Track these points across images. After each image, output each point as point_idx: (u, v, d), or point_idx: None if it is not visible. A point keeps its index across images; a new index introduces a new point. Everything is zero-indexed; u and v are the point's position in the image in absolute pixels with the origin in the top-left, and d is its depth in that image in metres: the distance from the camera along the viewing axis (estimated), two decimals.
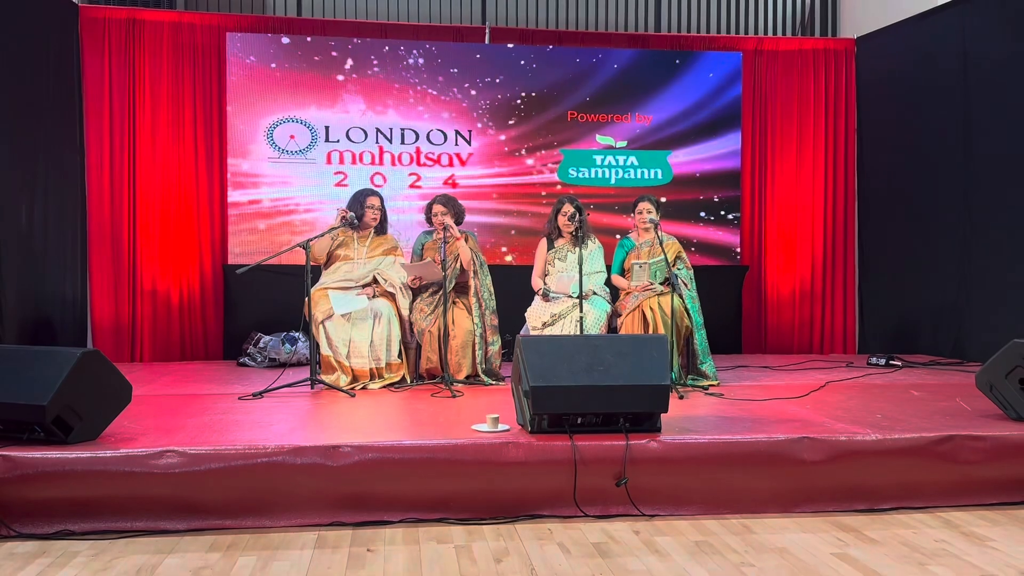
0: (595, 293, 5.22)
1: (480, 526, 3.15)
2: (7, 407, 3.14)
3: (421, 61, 6.83)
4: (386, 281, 5.13)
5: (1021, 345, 3.68)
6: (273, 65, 6.68)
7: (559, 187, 6.96)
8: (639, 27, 7.52)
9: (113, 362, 3.45)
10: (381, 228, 5.31)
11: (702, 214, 7.15)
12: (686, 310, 5.02)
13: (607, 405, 3.35)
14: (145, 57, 6.55)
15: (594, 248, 5.35)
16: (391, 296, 5.12)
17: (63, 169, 6.24)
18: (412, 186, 6.85)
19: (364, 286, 5.12)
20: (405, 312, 5.12)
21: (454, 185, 6.84)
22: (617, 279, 5.33)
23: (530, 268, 5.48)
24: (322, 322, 4.92)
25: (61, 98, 6.24)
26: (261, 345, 6.17)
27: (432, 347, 5.04)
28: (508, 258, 6.90)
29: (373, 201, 5.24)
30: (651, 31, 7.47)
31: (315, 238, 5.09)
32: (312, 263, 4.92)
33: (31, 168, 5.86)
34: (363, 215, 5.19)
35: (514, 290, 5.78)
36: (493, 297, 5.23)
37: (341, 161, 6.77)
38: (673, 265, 5.11)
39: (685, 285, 5.05)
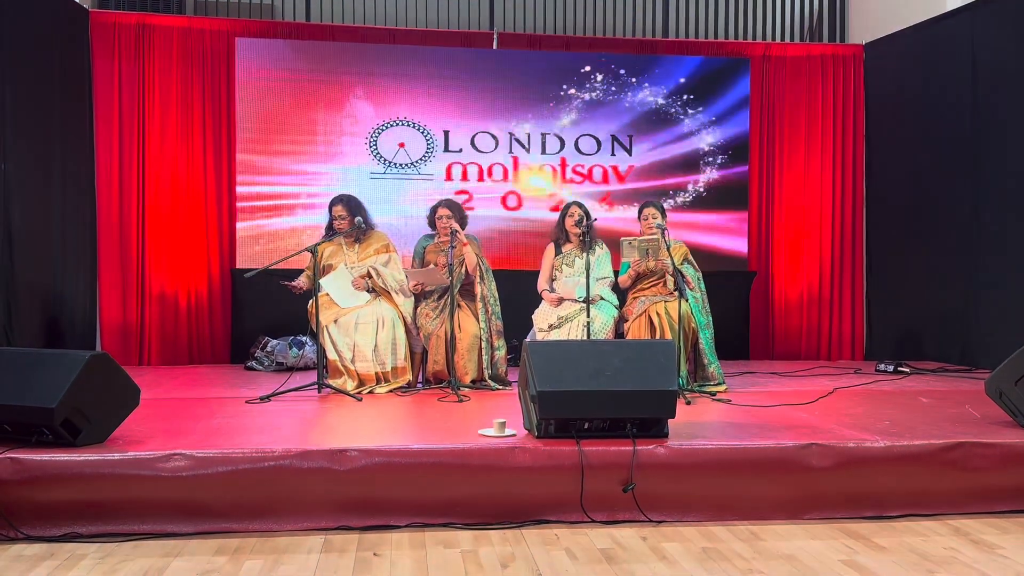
0: (602, 298, 5.22)
1: (487, 531, 3.14)
2: (15, 409, 3.15)
3: (429, 66, 6.85)
4: (379, 276, 5.08)
5: None
6: (282, 70, 6.70)
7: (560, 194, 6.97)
8: (647, 32, 7.52)
9: (121, 365, 3.46)
10: (363, 228, 5.15)
11: (709, 219, 7.14)
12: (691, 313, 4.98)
13: (614, 410, 3.34)
14: (155, 62, 6.58)
15: (601, 253, 5.35)
16: (389, 297, 5.09)
17: (74, 172, 6.27)
18: (415, 192, 6.86)
19: (359, 281, 5.08)
20: (407, 314, 5.10)
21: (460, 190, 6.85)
22: (624, 280, 5.31)
23: (536, 273, 5.48)
24: (327, 326, 4.92)
25: (72, 103, 6.27)
26: (268, 349, 6.19)
27: (439, 351, 5.04)
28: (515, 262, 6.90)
29: (337, 211, 5.16)
30: (659, 36, 7.47)
31: (322, 242, 5.10)
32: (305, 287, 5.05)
33: (44, 171, 5.89)
34: (330, 224, 5.18)
35: (521, 295, 5.77)
36: (498, 302, 5.23)
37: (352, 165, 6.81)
38: (680, 266, 5.07)
39: (688, 284, 4.97)
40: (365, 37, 6.93)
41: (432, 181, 6.85)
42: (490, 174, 6.93)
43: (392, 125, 6.82)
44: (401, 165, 6.83)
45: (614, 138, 7.03)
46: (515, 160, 6.95)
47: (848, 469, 3.34)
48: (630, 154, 7.04)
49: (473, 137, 6.89)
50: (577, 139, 7.00)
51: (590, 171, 7.02)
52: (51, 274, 5.98)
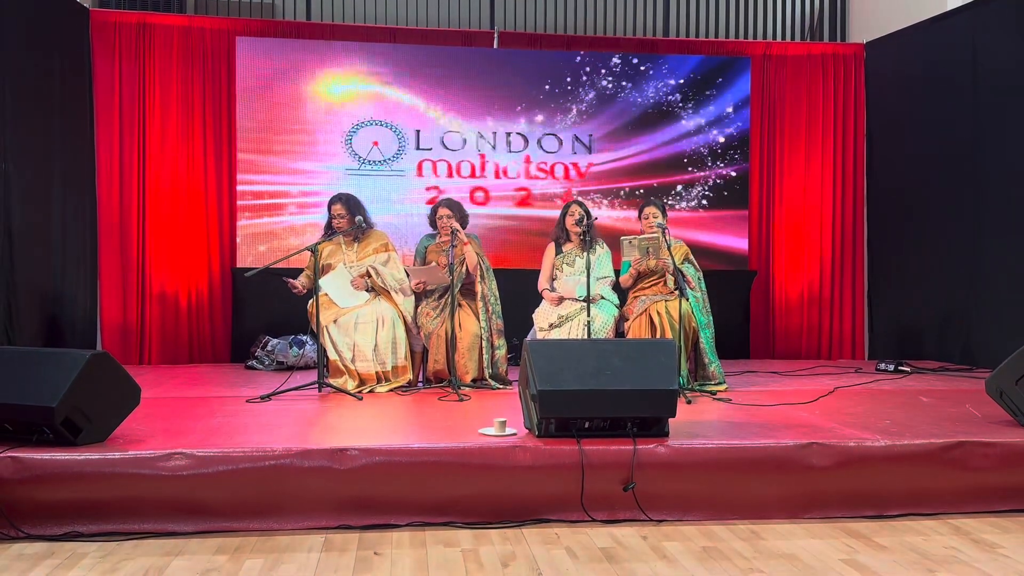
0: (603, 297, 5.21)
1: (487, 530, 3.14)
2: (16, 408, 3.15)
3: (429, 65, 6.85)
4: (378, 275, 5.08)
5: None
6: (283, 69, 6.70)
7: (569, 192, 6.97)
8: (648, 31, 7.52)
9: (122, 364, 3.47)
10: (362, 227, 5.15)
11: (710, 218, 7.14)
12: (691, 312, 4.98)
13: (615, 409, 3.34)
14: (155, 61, 6.58)
15: (602, 253, 5.34)
16: (389, 296, 5.09)
17: (74, 172, 6.27)
18: (417, 191, 6.85)
19: (359, 280, 5.08)
20: (407, 313, 5.09)
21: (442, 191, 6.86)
22: (625, 279, 5.30)
23: (537, 272, 5.47)
24: (327, 326, 4.92)
25: (72, 102, 6.27)
26: (269, 348, 6.19)
27: (439, 350, 5.03)
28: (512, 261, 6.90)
29: (336, 209, 5.15)
30: (660, 35, 7.47)
31: (322, 241, 5.10)
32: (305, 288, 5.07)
33: (44, 171, 5.89)
34: (329, 223, 5.18)
35: (521, 294, 5.77)
36: (498, 301, 5.22)
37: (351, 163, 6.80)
38: (680, 266, 5.07)
39: (689, 283, 4.97)
40: (365, 36, 6.93)
41: (404, 177, 6.85)
42: (459, 171, 6.92)
43: (367, 124, 6.81)
44: (374, 162, 6.82)
45: (575, 138, 7.01)
46: (482, 157, 6.95)
47: (848, 468, 3.34)
48: (590, 152, 7.01)
49: (444, 136, 6.88)
50: (563, 136, 7.01)
51: (551, 167, 7.02)
52: (51, 274, 5.98)
